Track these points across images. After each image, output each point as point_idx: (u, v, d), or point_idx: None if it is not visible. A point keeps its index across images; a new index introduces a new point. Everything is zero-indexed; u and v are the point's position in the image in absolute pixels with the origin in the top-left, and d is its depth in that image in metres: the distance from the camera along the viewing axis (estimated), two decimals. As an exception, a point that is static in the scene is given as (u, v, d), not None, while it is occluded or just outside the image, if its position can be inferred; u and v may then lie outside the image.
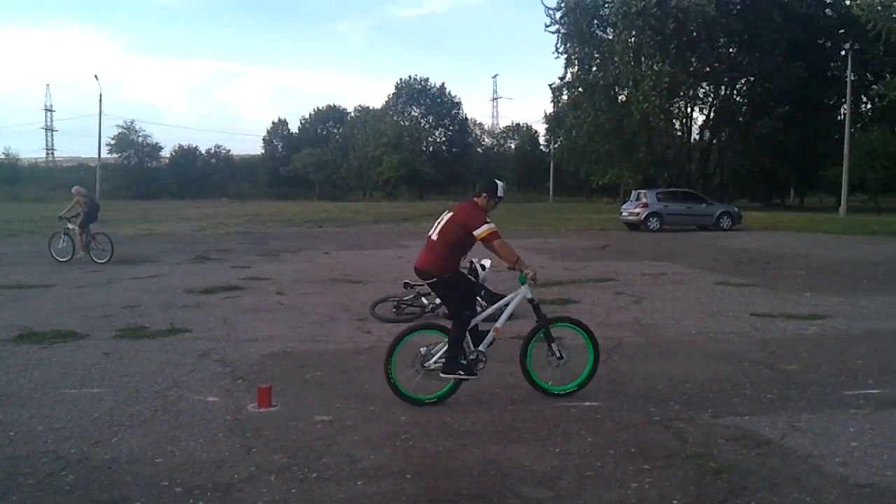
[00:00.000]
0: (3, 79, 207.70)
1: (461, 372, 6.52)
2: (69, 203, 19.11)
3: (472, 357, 6.61)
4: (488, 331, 6.77)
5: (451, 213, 6.74)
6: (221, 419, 6.10)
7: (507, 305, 6.88)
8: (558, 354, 6.71)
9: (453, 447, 5.46)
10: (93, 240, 18.63)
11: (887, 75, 47.27)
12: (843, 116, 51.05)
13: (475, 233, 6.50)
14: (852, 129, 46.42)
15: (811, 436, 5.67)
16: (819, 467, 5.06)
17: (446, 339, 6.58)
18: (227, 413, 6.26)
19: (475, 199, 6.83)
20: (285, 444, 5.51)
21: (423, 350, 6.59)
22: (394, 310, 10.85)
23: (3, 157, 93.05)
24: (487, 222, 6.54)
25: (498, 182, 6.89)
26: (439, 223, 6.73)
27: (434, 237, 6.68)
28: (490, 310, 6.93)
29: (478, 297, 6.92)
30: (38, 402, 6.55)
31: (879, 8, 37.66)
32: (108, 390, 6.91)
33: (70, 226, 18.65)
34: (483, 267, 9.95)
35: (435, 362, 6.55)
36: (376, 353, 8.49)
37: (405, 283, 11.15)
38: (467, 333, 6.62)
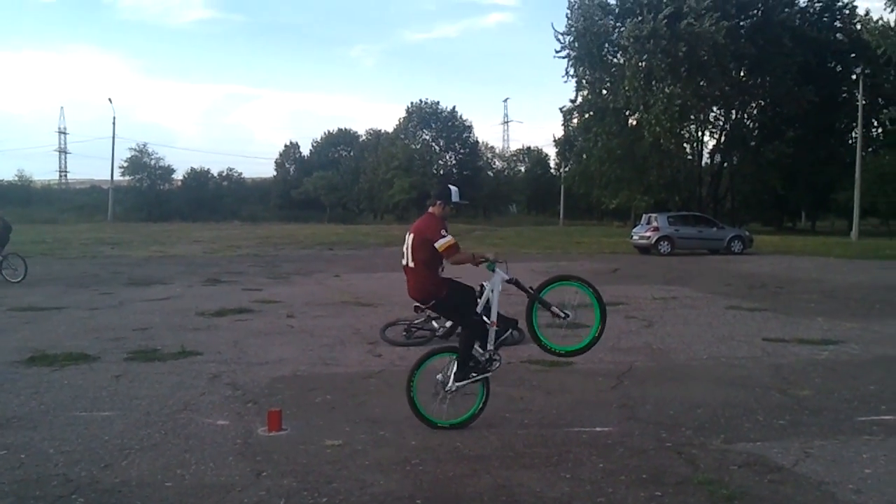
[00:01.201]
0: (17, 101, 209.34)
1: (473, 374, 6.53)
2: None
3: (484, 358, 6.57)
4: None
5: (412, 235, 6.61)
6: (231, 443, 6.10)
7: (490, 297, 6.61)
8: (562, 315, 6.59)
9: (464, 472, 5.43)
10: (4, 260, 19.03)
11: (899, 100, 47.36)
12: (854, 140, 51.02)
13: (436, 245, 6.41)
14: (863, 154, 46.34)
15: (824, 462, 5.63)
16: (832, 494, 5.02)
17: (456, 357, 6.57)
18: (238, 437, 6.26)
19: (431, 208, 6.75)
20: (295, 468, 5.50)
21: (439, 377, 6.57)
22: (404, 333, 10.83)
23: (16, 179, 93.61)
24: (444, 235, 6.43)
25: (452, 187, 6.83)
26: (408, 248, 6.61)
27: (411, 265, 6.58)
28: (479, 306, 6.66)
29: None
30: (49, 424, 6.56)
31: (891, 32, 37.82)
32: (119, 413, 6.92)
33: None
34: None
35: (454, 381, 6.52)
36: (387, 377, 8.50)
37: (416, 306, 11.05)
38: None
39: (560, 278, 6.92)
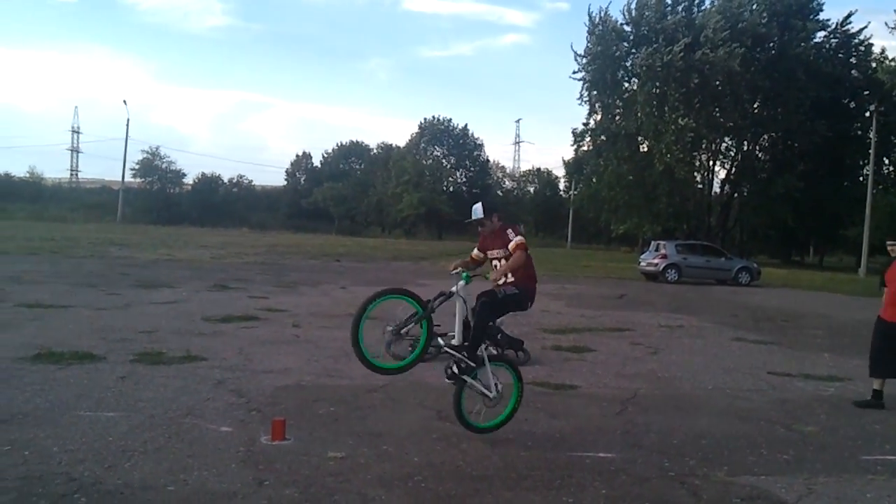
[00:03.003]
0: (32, 99, 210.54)
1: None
2: None
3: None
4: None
5: None
6: (234, 450, 6.09)
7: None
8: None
9: (466, 492, 5.42)
10: None
11: (910, 139, 47.39)
12: (865, 177, 51.03)
13: None
14: (874, 191, 46.31)
15: (828, 500, 5.60)
16: (835, 533, 4.99)
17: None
18: (241, 444, 6.25)
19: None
20: (298, 478, 5.50)
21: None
22: (409, 349, 10.79)
23: (27, 175, 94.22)
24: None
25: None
26: None
27: None
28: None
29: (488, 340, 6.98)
30: (54, 422, 6.56)
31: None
32: (123, 414, 6.93)
33: None
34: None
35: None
36: (390, 392, 8.50)
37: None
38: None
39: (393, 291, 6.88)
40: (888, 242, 9.27)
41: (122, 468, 5.51)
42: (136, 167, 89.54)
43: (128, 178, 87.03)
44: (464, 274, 6.75)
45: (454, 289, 6.69)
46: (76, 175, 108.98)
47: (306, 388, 8.49)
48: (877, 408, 8.84)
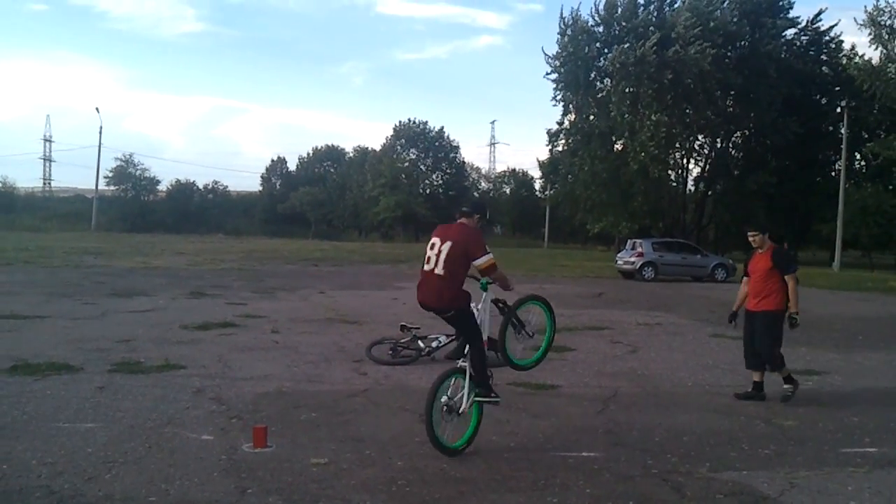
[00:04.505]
0: (2, 107, 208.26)
1: (493, 394, 6.60)
2: None
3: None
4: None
5: (449, 243, 6.35)
6: (216, 458, 6.05)
7: (482, 317, 6.73)
8: (529, 334, 7.03)
9: (450, 495, 5.41)
10: None
11: (881, 134, 47.84)
12: (837, 172, 51.52)
13: (476, 263, 6.32)
14: (846, 186, 46.79)
15: (809, 493, 5.64)
16: (818, 526, 5.03)
17: (464, 380, 6.48)
18: (222, 452, 6.20)
19: (464, 220, 6.64)
20: (280, 486, 5.46)
21: (444, 399, 6.35)
22: (390, 352, 10.79)
23: (0, 185, 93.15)
24: (487, 252, 6.35)
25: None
26: (439, 255, 6.35)
27: (440, 272, 6.31)
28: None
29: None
30: (32, 435, 6.49)
31: (877, 69, 38.47)
32: (103, 425, 6.86)
33: None
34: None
35: (466, 402, 6.44)
36: (372, 396, 8.48)
37: (402, 325, 11.14)
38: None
39: (529, 298, 7.31)
40: (749, 233, 9.25)
41: (102, 480, 5.46)
42: (110, 175, 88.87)
43: (101, 187, 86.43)
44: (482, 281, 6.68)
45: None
46: (49, 184, 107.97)
47: (287, 395, 8.45)
48: (758, 399, 8.90)
